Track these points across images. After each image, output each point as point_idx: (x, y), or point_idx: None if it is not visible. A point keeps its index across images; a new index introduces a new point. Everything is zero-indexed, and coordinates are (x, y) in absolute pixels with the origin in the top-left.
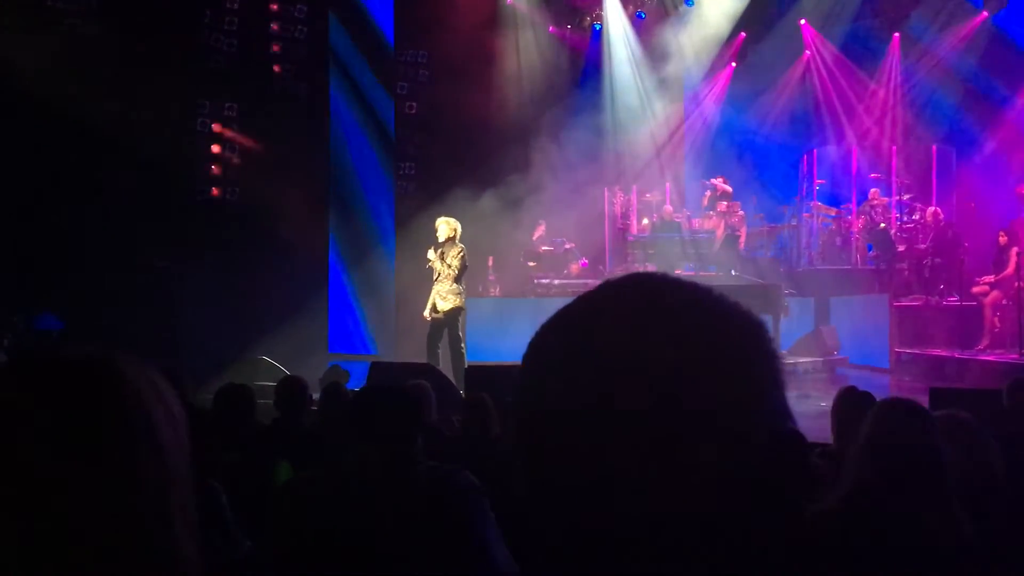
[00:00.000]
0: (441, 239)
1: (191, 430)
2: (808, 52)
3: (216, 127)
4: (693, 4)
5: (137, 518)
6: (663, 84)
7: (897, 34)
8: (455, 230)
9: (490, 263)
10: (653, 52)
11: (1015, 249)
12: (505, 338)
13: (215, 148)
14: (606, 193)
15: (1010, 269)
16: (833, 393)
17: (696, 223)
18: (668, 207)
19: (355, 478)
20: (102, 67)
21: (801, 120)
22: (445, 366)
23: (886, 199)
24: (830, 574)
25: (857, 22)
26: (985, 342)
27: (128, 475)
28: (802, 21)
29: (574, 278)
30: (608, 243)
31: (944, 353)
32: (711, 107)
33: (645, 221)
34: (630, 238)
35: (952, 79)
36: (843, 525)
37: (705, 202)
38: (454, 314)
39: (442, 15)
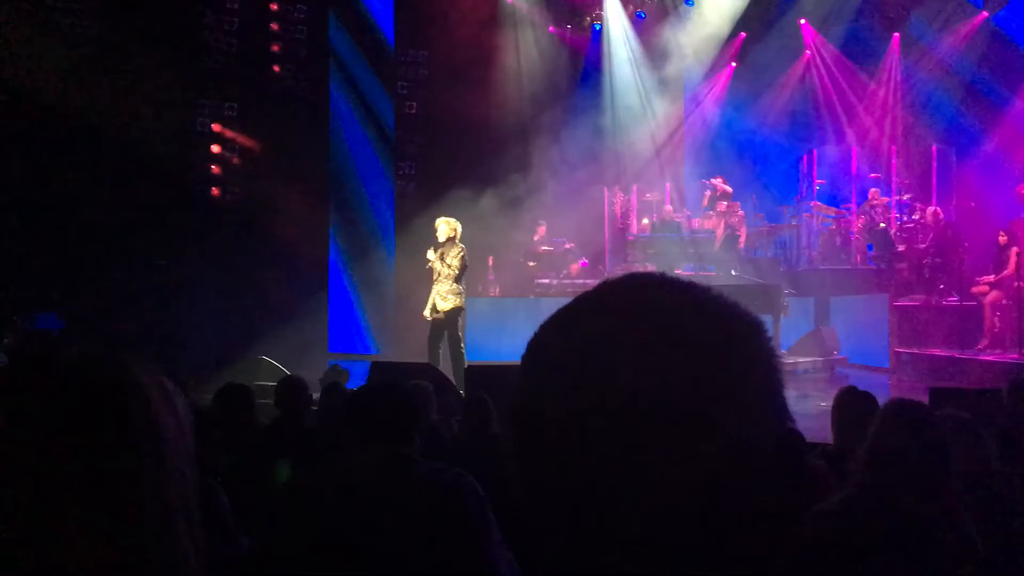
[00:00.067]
0: (441, 239)
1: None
2: (808, 52)
3: (216, 127)
4: (693, 4)
5: (140, 520)
6: (663, 84)
7: (897, 34)
8: (455, 230)
9: (490, 263)
10: (653, 52)
11: (1015, 249)
12: (505, 338)
13: (215, 148)
14: (606, 193)
15: (1010, 269)
16: (833, 393)
17: (696, 223)
18: (668, 207)
19: (355, 478)
20: (102, 67)
21: (801, 120)
22: (445, 366)
23: (886, 199)
24: (832, 573)
25: (857, 22)
26: (985, 342)
27: (133, 477)
28: (802, 21)
29: (574, 278)
30: (608, 243)
31: (944, 353)
32: (711, 107)
33: (645, 221)
34: (630, 238)
35: (952, 79)
36: (846, 525)
37: (705, 202)
38: (454, 314)
39: (442, 15)
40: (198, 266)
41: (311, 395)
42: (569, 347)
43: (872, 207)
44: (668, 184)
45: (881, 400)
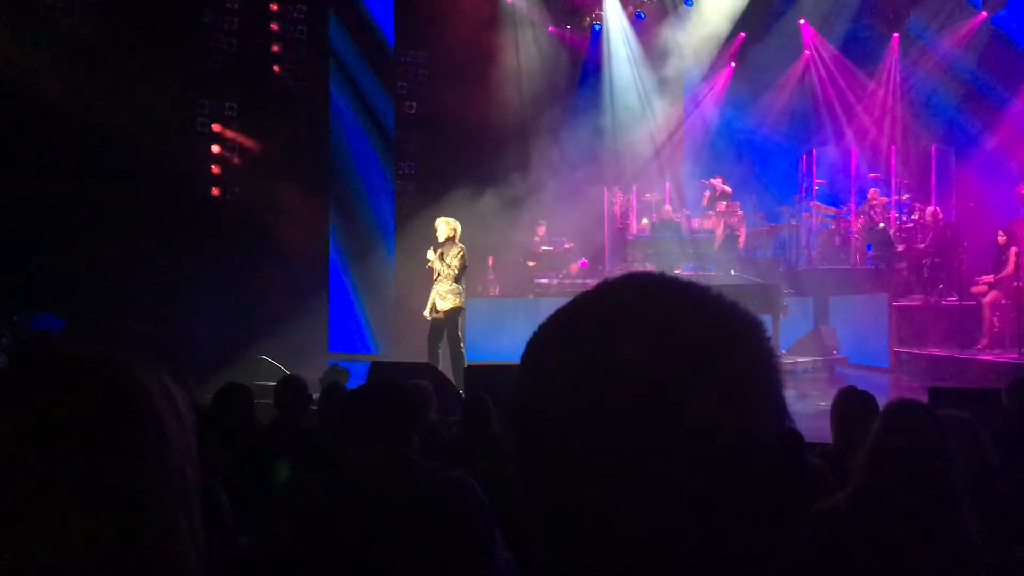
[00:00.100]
0: (441, 239)
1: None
2: (807, 52)
3: (216, 127)
4: (692, 4)
5: (142, 521)
6: (663, 84)
7: (896, 34)
8: (455, 230)
9: (490, 263)
10: (653, 52)
11: (1014, 249)
12: (504, 338)
13: (215, 148)
14: (605, 193)
15: (1009, 269)
16: (832, 393)
17: (695, 223)
18: (667, 207)
19: (354, 478)
20: (101, 67)
21: (800, 120)
22: (444, 366)
23: (885, 199)
24: (832, 573)
25: (856, 22)
26: (984, 342)
27: (135, 478)
28: (801, 21)
29: (573, 278)
30: (607, 243)
31: (943, 353)
32: (710, 107)
33: (644, 221)
34: (629, 238)
35: (951, 79)
36: (846, 525)
37: (704, 202)
38: (454, 314)
39: (442, 15)
40: (198, 266)
41: (311, 395)
42: (569, 347)
43: (871, 207)
44: (667, 184)
45: (880, 400)
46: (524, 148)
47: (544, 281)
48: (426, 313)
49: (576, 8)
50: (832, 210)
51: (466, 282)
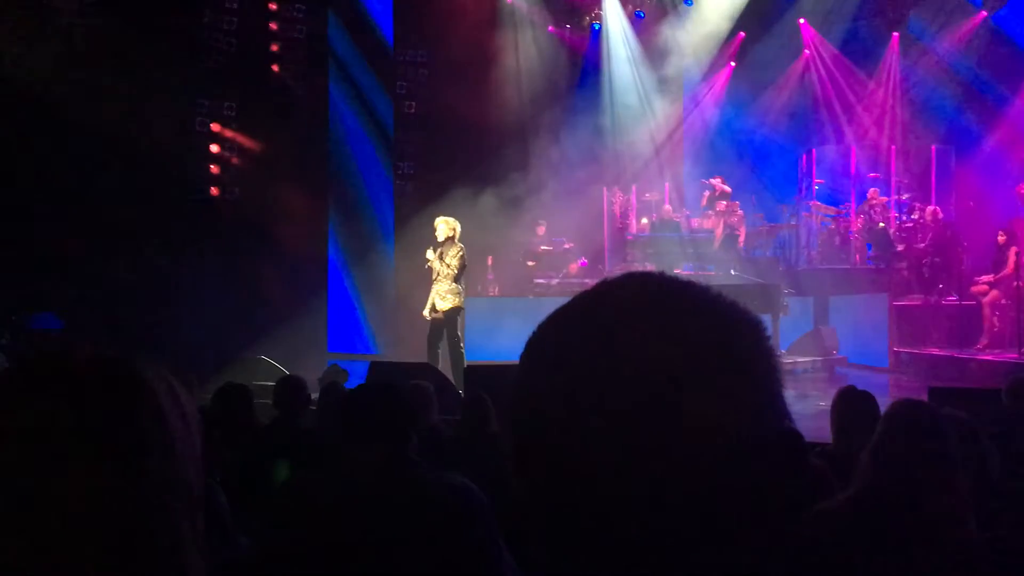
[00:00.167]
0: (440, 239)
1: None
2: (807, 51)
3: (215, 127)
4: (692, 3)
5: (145, 525)
6: (662, 83)
7: (896, 34)
8: (454, 230)
9: (489, 262)
10: (652, 51)
11: (1014, 248)
12: (504, 337)
13: (214, 148)
14: (605, 193)
15: (1009, 268)
16: (832, 393)
17: (695, 223)
18: (667, 207)
19: (354, 478)
20: (101, 66)
21: (800, 119)
22: (444, 365)
23: (885, 199)
24: (832, 573)
25: (856, 22)
26: (984, 341)
27: (139, 481)
28: (801, 20)
29: (573, 277)
30: (607, 243)
31: (943, 352)
32: (710, 106)
33: (644, 221)
34: (629, 237)
35: (951, 79)
36: (847, 525)
37: (704, 202)
38: (453, 314)
39: (442, 15)
40: (198, 266)
41: (310, 395)
42: (568, 346)
43: (871, 207)
44: (667, 184)
45: (880, 400)
46: (524, 148)
47: (544, 281)
48: (425, 313)
49: (576, 8)
50: (832, 210)
51: (466, 282)
